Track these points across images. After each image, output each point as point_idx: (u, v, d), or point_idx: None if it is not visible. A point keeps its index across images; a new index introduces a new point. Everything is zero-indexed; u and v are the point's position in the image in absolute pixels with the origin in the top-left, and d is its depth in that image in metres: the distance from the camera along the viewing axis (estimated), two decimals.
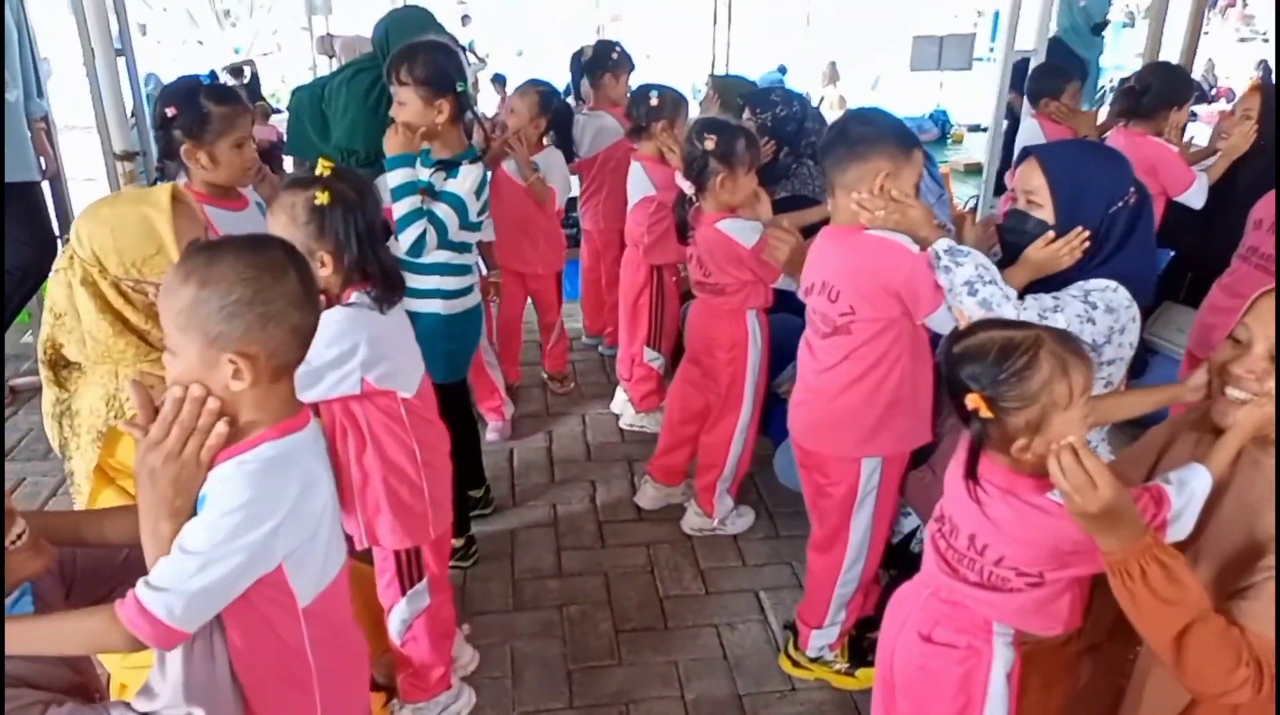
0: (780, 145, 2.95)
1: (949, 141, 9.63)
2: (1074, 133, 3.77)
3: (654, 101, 3.16)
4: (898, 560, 2.40)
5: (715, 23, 9.64)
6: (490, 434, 3.31)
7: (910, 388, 2.03)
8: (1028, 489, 1.39)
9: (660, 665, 2.34)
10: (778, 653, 2.37)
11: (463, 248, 2.43)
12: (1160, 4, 5.00)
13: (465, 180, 2.31)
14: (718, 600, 2.57)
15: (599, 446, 3.36)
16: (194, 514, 1.22)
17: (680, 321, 3.42)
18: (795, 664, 2.32)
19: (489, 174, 2.49)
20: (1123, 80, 3.65)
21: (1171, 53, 5.23)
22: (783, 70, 11.28)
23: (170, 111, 2.22)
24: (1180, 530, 1.35)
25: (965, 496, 1.49)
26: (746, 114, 2.97)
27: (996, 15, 9.96)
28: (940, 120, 9.82)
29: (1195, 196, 3.17)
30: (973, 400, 1.32)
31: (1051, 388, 1.31)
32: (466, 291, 2.49)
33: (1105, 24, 6.11)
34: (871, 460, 2.09)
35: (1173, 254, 3.66)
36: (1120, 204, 1.91)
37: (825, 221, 2.15)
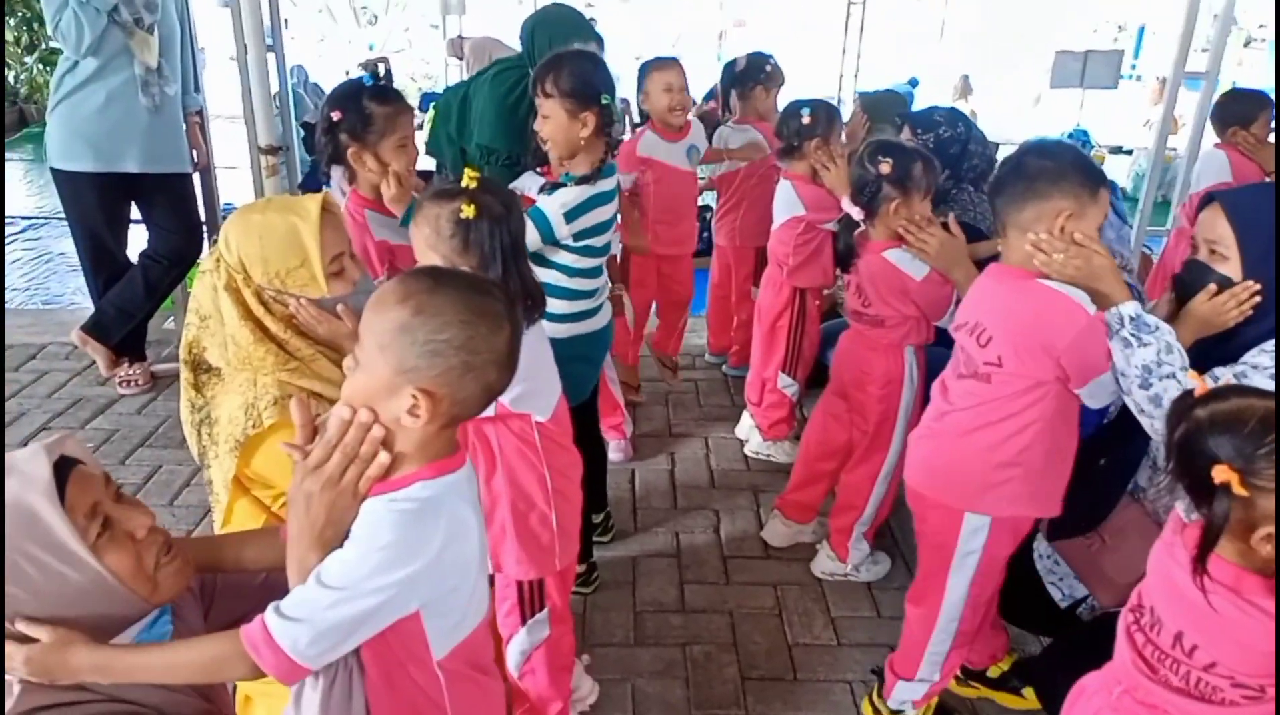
0: (942, 169, 2.76)
1: None
2: (1262, 168, 3.45)
3: (806, 119, 3.01)
4: (1062, 626, 2.20)
5: (846, 32, 9.40)
6: (614, 453, 3.21)
7: (1042, 453, 1.84)
8: (1256, 590, 1.20)
9: None
10: None
11: (574, 272, 2.27)
12: None
13: (557, 199, 2.17)
14: (850, 654, 2.41)
15: (723, 473, 3.22)
16: (339, 546, 1.15)
17: (818, 348, 3.27)
18: (876, 711, 2.17)
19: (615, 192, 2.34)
20: None
21: None
22: (914, 83, 10.92)
23: (336, 115, 2.21)
24: None
25: (1176, 588, 1.31)
26: (906, 134, 2.80)
27: (1141, 31, 9.42)
28: (1081, 140, 9.30)
29: None
30: (1223, 473, 1.14)
31: None
32: (581, 316, 2.33)
33: None
34: (976, 517, 1.91)
35: None
36: None
37: (993, 257, 1.98)
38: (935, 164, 2.41)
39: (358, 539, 1.13)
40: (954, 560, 1.98)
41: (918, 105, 10.76)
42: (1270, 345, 1.74)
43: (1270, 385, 1.67)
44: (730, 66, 3.76)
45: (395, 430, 1.15)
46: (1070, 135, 9.58)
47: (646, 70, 3.31)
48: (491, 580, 1.90)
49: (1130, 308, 1.73)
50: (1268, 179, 3.39)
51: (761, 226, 3.32)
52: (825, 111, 3.07)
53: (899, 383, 2.48)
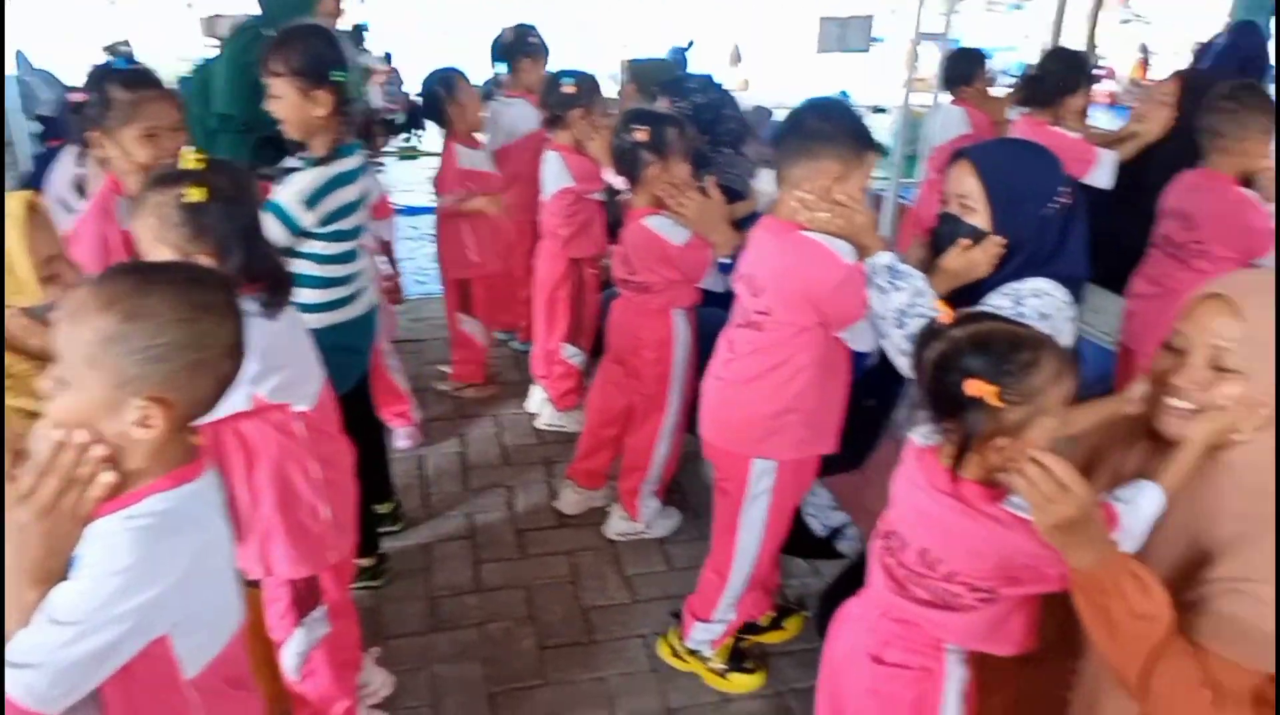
0: (700, 133, 2.85)
1: None
2: (992, 118, 3.77)
3: (569, 89, 3.02)
4: (821, 553, 2.36)
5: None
6: (400, 441, 3.14)
7: (815, 397, 1.96)
8: (982, 498, 1.34)
9: (587, 683, 2.23)
10: (705, 660, 2.29)
11: (324, 259, 2.15)
12: None
13: (292, 188, 2.05)
14: (644, 609, 2.48)
15: (515, 449, 3.22)
16: (64, 577, 1.05)
17: (600, 317, 3.31)
18: (673, 653, 2.27)
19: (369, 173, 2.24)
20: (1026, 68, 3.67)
21: (1068, 38, 5.32)
22: (688, 45, 11.16)
23: (77, 98, 2.01)
24: (1131, 547, 1.31)
25: (916, 508, 1.43)
26: (664, 102, 2.86)
27: None
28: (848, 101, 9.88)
29: (1102, 176, 3.19)
30: (978, 386, 1.25)
31: (1049, 391, 1.28)
32: (336, 304, 2.21)
33: None
34: (763, 461, 2.02)
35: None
36: (1055, 205, 1.86)
37: (753, 217, 2.07)
38: (689, 128, 2.48)
39: (90, 565, 1.04)
40: (744, 504, 2.07)
41: (692, 70, 10.98)
42: (1007, 287, 1.89)
43: None
44: (497, 40, 3.71)
45: (124, 446, 1.06)
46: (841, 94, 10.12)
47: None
48: (257, 584, 1.81)
49: (886, 257, 1.84)
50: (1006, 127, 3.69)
51: (539, 200, 3.32)
52: (587, 82, 3.09)
53: (670, 346, 2.55)
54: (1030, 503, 1.23)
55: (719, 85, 2.99)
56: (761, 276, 1.94)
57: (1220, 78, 4.65)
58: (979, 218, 1.85)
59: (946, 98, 4.13)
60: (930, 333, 1.36)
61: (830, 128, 1.86)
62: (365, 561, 2.43)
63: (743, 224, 2.62)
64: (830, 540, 2.34)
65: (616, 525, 2.76)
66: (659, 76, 3.49)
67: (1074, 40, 5.71)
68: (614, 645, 2.35)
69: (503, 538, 2.75)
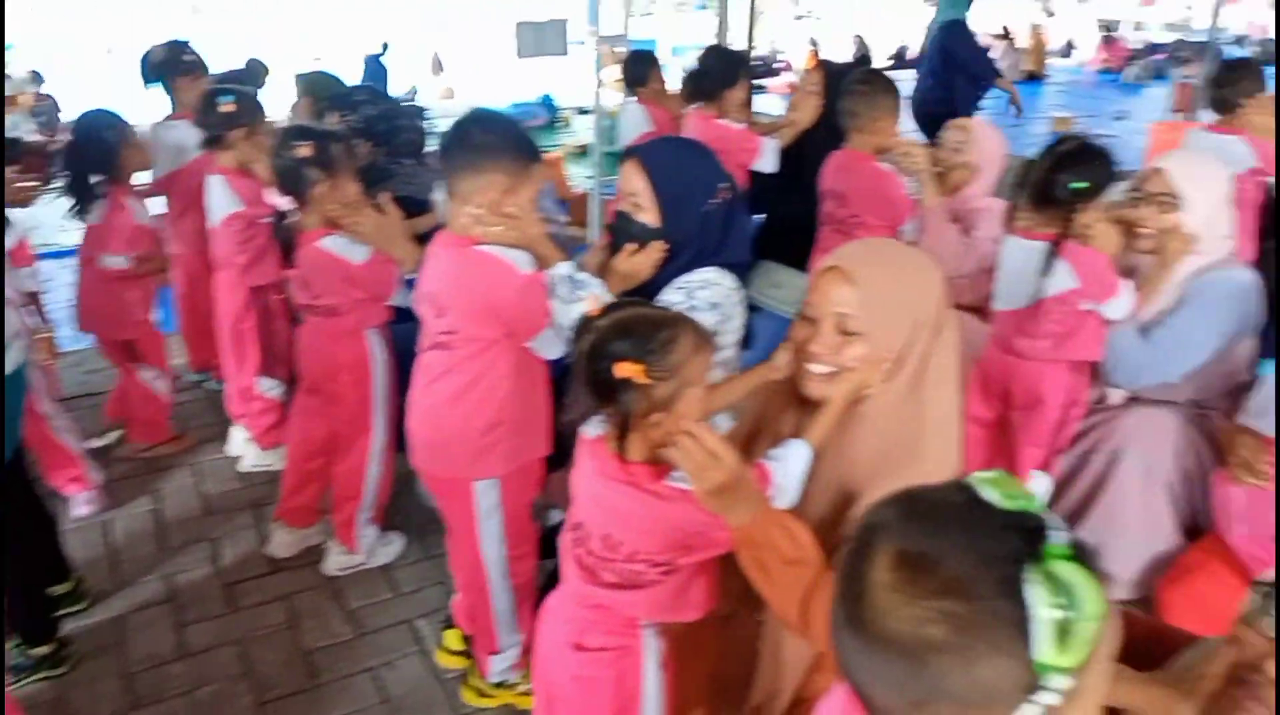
0: (375, 146, 2.78)
1: (559, 125, 9.90)
2: (673, 113, 3.94)
3: (227, 107, 2.83)
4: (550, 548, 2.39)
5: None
6: (79, 508, 2.81)
7: (520, 406, 1.96)
8: (649, 477, 1.40)
9: None
10: (441, 681, 2.25)
11: None
12: None
13: None
14: (372, 640, 2.39)
15: (218, 497, 2.99)
16: None
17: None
18: (481, 694, 2.21)
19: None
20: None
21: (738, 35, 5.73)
22: (383, 51, 10.89)
23: None
24: (785, 503, 1.42)
25: (593, 495, 1.47)
26: (332, 117, 2.76)
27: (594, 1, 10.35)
28: (548, 105, 10.06)
29: (766, 163, 3.46)
30: (626, 368, 1.31)
31: (690, 362, 1.35)
32: None
33: None
34: (484, 481, 2.00)
35: (764, 217, 4.00)
36: (717, 200, 1.97)
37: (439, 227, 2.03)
38: (355, 142, 2.40)
39: None
40: (478, 526, 2.03)
41: (391, 78, 10.68)
42: (679, 281, 1.98)
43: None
44: (145, 58, 3.41)
45: None
46: (540, 101, 10.27)
47: None
48: None
49: (565, 268, 1.87)
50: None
51: None
52: (247, 99, 2.91)
53: (367, 367, 2.47)
54: (687, 473, 1.30)
55: (387, 95, 2.93)
56: (443, 294, 1.91)
57: (947, 73, 5.19)
58: (648, 215, 1.92)
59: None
60: (581, 327, 1.41)
61: (494, 140, 1.86)
62: (41, 650, 2.17)
63: (428, 237, 2.59)
64: (554, 534, 2.36)
65: (335, 560, 2.64)
66: (329, 88, 3.36)
67: (743, 37, 6.17)
68: (340, 684, 2.24)
69: (209, 595, 2.54)
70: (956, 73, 5.21)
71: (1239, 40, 11.50)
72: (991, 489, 0.73)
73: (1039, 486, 2.47)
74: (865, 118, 2.94)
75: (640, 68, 4.20)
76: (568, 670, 1.54)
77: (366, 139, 2.72)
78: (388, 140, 2.81)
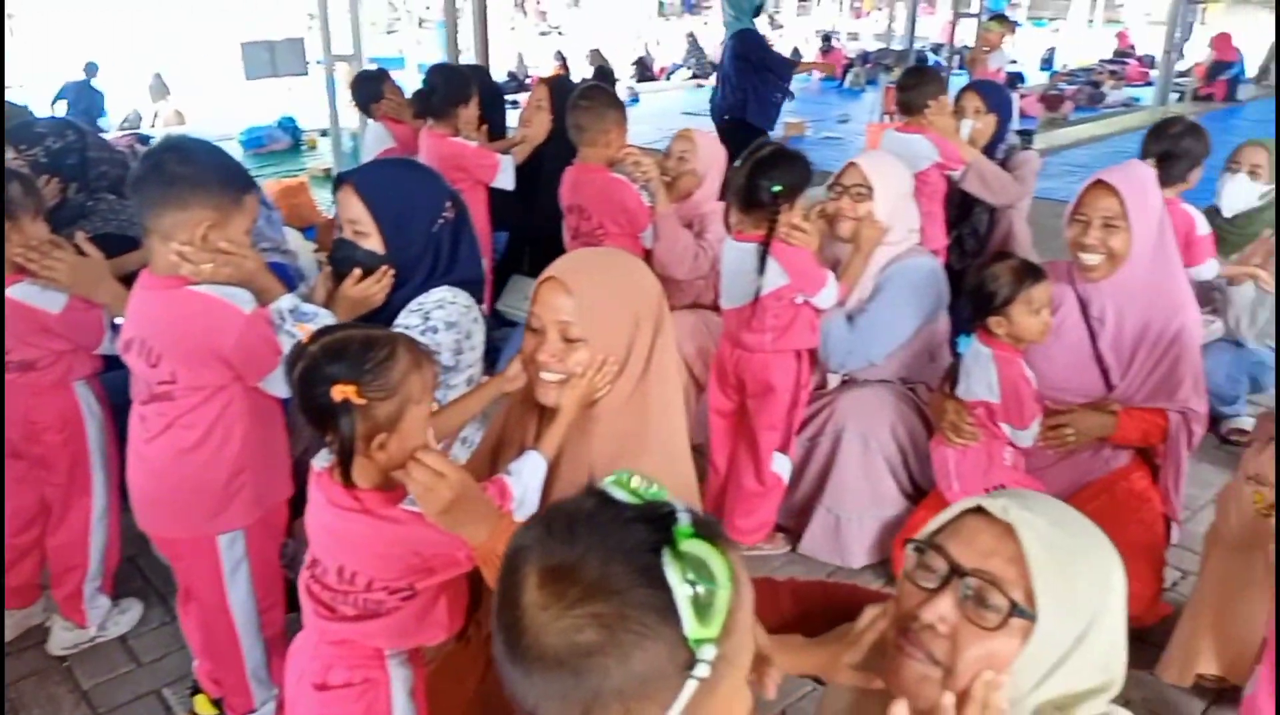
0: (66, 182, 2.55)
1: (303, 148, 9.47)
2: (413, 130, 3.88)
3: None
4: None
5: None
6: None
7: (258, 451, 1.87)
8: (381, 503, 1.39)
9: None
10: None
11: None
12: (451, 5, 5.41)
13: None
14: None
15: None
16: None
17: None
18: None
19: None
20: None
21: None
22: (91, 70, 10.00)
23: None
24: (526, 514, 1.44)
25: (324, 528, 1.44)
26: (11, 153, 2.50)
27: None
28: (289, 127, 9.58)
29: (505, 179, 3.50)
30: (341, 391, 1.29)
31: (409, 380, 1.34)
32: None
33: (762, 6, 6.22)
34: (229, 534, 1.90)
35: (508, 233, 4.04)
36: (443, 220, 1.97)
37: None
38: (34, 180, 2.19)
39: None
40: (226, 583, 1.91)
41: (110, 103, 9.78)
42: (414, 304, 1.95)
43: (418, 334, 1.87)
44: None
45: None
46: (280, 123, 9.77)
47: None
48: None
49: (287, 301, 1.79)
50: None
51: None
52: None
53: (79, 421, 2.25)
54: (414, 495, 1.30)
55: (78, 125, 2.70)
56: (155, 341, 1.78)
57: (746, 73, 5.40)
58: (373, 241, 1.90)
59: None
60: (294, 355, 1.38)
61: (195, 172, 1.74)
62: None
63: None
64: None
65: (62, 639, 2.39)
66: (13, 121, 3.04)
67: (499, 54, 6.18)
68: None
69: None
70: (753, 75, 5.64)
71: (936, 48, 12.82)
72: (618, 489, 0.78)
73: (780, 467, 2.65)
74: (593, 131, 3.04)
75: (370, 86, 4.12)
76: (312, 712, 1.49)
77: (54, 175, 2.48)
78: (81, 175, 2.58)
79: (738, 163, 2.53)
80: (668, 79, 15.42)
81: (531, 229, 3.82)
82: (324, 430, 1.37)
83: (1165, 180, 3.00)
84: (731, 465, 2.74)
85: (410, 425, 1.37)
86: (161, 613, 2.51)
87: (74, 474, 2.28)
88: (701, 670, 0.71)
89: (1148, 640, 2.27)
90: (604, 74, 12.00)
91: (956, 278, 3.33)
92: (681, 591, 0.71)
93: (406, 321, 1.92)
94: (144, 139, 8.39)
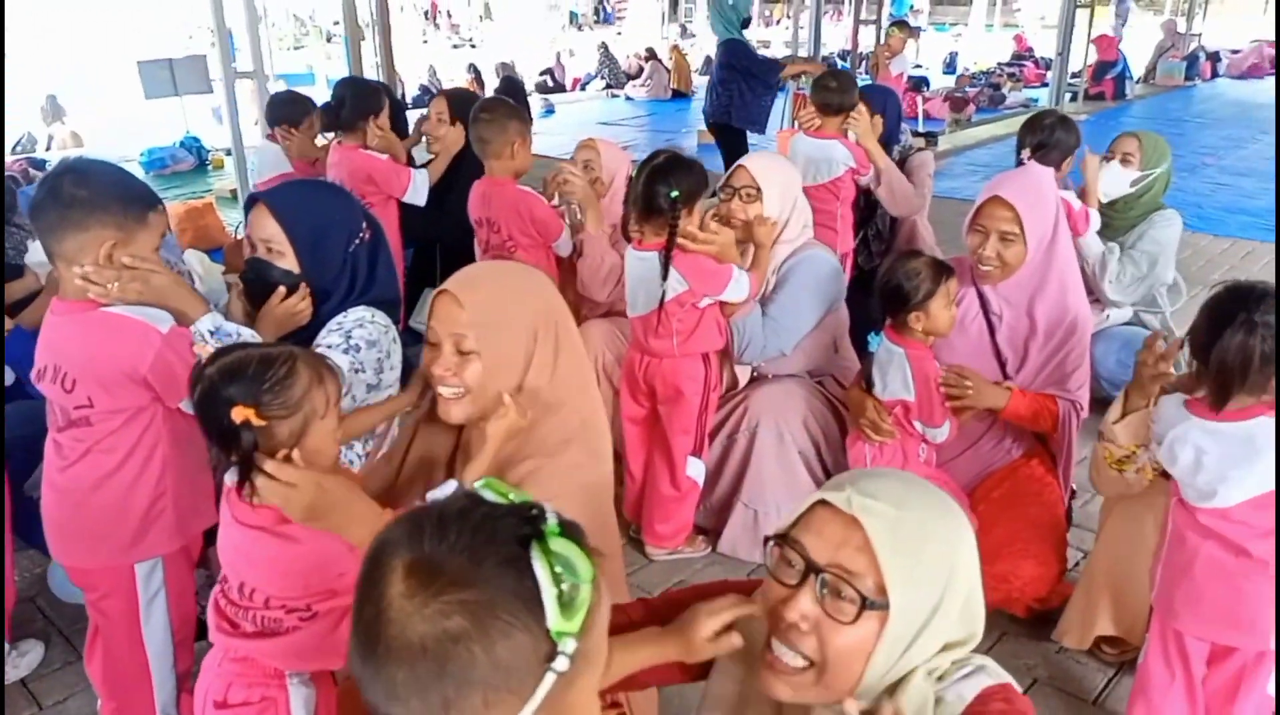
0: None
1: (209, 168, 9.22)
2: (309, 160, 3.80)
3: None
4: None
5: None
6: None
7: (179, 473, 1.83)
8: (277, 520, 1.38)
9: None
10: None
11: None
12: (352, 18, 5.34)
13: None
14: None
15: None
16: None
17: None
18: None
19: None
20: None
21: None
22: None
23: None
24: None
25: (231, 546, 1.44)
26: None
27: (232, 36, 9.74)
28: (193, 147, 9.32)
29: (417, 195, 3.47)
30: (241, 413, 1.29)
31: (311, 395, 1.35)
32: None
33: (749, 19, 6.71)
34: (147, 562, 1.85)
35: (417, 247, 4.00)
36: (359, 240, 1.97)
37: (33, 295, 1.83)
38: None
39: None
40: (141, 611, 1.85)
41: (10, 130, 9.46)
42: (333, 323, 1.92)
43: (343, 368, 1.84)
44: None
45: None
46: (182, 143, 9.51)
47: None
48: None
49: (207, 322, 1.75)
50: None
51: None
52: None
53: None
54: (280, 503, 1.31)
55: None
56: (70, 367, 1.73)
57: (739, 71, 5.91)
58: (288, 260, 1.89)
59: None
60: (194, 377, 1.37)
61: (92, 194, 1.69)
62: None
63: (24, 303, 2.33)
64: None
65: None
66: None
67: (412, 67, 6.13)
68: None
69: None
70: (740, 81, 6.09)
71: (844, 54, 13.12)
72: (488, 491, 0.79)
73: (694, 471, 2.68)
74: (496, 143, 3.03)
75: (290, 110, 4.02)
76: None
77: None
78: None
79: (634, 172, 2.56)
80: (582, 90, 15.45)
81: (443, 243, 3.79)
82: (228, 451, 1.36)
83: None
84: (647, 471, 2.76)
85: (316, 440, 1.37)
86: (65, 653, 2.42)
87: None
88: (561, 663, 0.73)
89: (1053, 620, 2.35)
90: (512, 85, 11.97)
91: (868, 278, 3.41)
92: (548, 585, 0.72)
93: (327, 341, 1.91)
94: (38, 163, 8.07)
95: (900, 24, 8.65)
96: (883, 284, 2.36)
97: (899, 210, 3.71)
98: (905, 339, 2.34)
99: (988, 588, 2.30)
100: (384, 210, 3.44)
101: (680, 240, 2.38)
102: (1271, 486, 1.62)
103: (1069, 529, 2.55)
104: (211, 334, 1.75)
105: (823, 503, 1.04)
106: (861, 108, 3.59)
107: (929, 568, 1.00)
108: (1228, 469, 1.64)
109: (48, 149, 10.19)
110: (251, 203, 1.93)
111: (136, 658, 1.90)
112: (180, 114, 9.70)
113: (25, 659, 2.38)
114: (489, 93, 12.17)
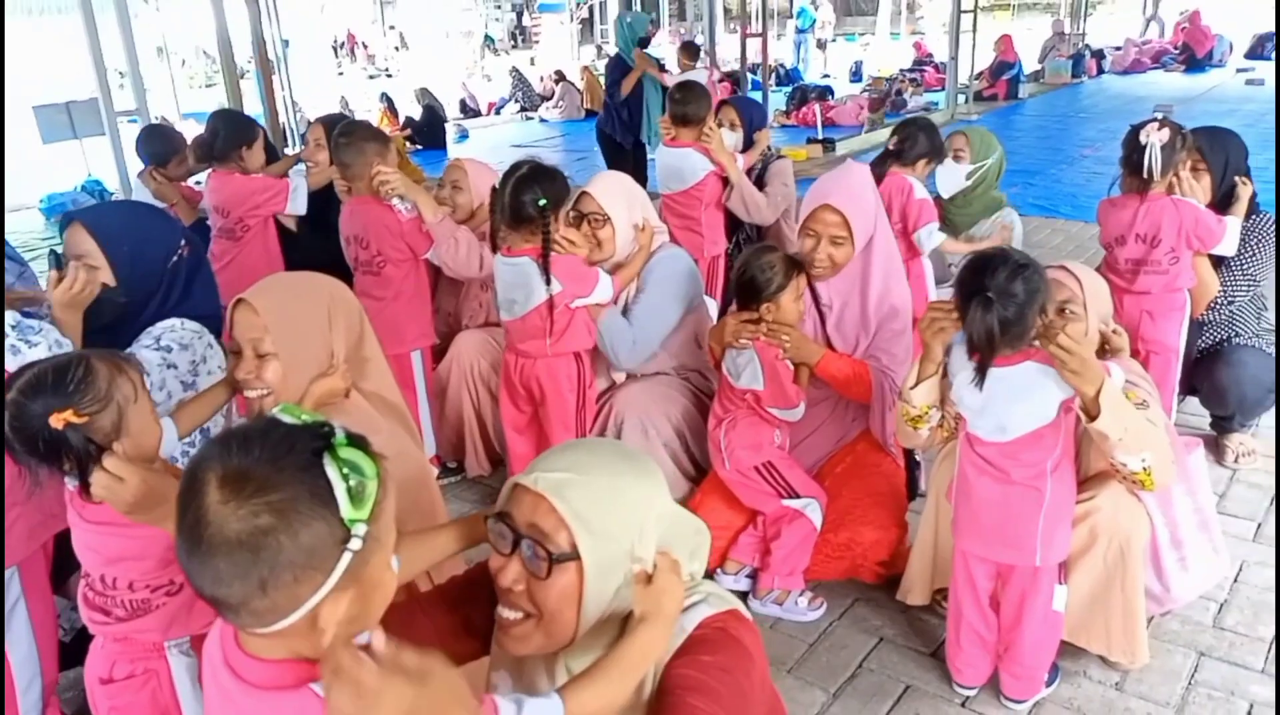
0: None
1: None
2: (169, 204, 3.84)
3: None
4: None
5: None
6: None
7: (17, 482, 1.87)
8: (114, 513, 1.46)
9: None
10: None
11: None
12: (228, 54, 5.38)
13: None
14: None
15: None
16: None
17: None
18: None
19: None
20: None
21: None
22: None
23: None
24: None
25: (83, 544, 1.55)
26: None
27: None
28: (95, 190, 9.21)
29: (297, 203, 3.62)
30: (58, 418, 1.38)
31: (116, 382, 1.44)
32: None
33: (647, 39, 7.17)
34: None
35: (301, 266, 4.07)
36: (177, 257, 2.07)
37: None
38: None
39: None
40: (6, 619, 1.88)
41: None
42: (145, 333, 2.03)
43: (153, 369, 1.93)
44: None
45: None
46: (84, 187, 9.40)
47: None
48: None
49: (10, 318, 1.82)
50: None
51: None
52: None
53: None
54: (108, 498, 1.41)
55: None
56: None
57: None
58: (103, 274, 2.00)
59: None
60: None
61: None
62: None
63: None
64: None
65: None
66: None
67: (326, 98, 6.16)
68: None
69: None
70: (618, 97, 6.75)
71: (754, 68, 13.45)
72: (285, 414, 0.93)
73: None
74: (357, 165, 3.11)
75: (161, 145, 4.08)
76: (101, 705, 1.59)
77: None
78: None
79: (497, 183, 2.67)
80: (497, 113, 15.57)
81: (324, 261, 3.86)
82: (58, 462, 1.43)
83: (901, 164, 3.38)
84: None
85: (138, 424, 1.46)
86: None
87: None
88: (355, 544, 0.89)
89: (898, 583, 2.51)
90: (432, 114, 12.05)
91: None
92: (339, 482, 0.88)
93: (141, 342, 2.01)
94: None
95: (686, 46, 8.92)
96: (737, 276, 2.51)
97: (753, 218, 3.90)
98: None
99: (834, 556, 2.49)
100: (262, 232, 3.53)
101: (558, 241, 2.52)
102: (1038, 424, 1.84)
103: (913, 499, 2.72)
104: (14, 329, 1.82)
105: (518, 485, 1.19)
106: (711, 123, 3.78)
107: (615, 518, 1.15)
108: (1002, 408, 1.83)
109: None
110: (68, 221, 2.02)
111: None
112: (80, 157, 9.59)
113: None
114: (403, 120, 12.27)
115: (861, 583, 2.62)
